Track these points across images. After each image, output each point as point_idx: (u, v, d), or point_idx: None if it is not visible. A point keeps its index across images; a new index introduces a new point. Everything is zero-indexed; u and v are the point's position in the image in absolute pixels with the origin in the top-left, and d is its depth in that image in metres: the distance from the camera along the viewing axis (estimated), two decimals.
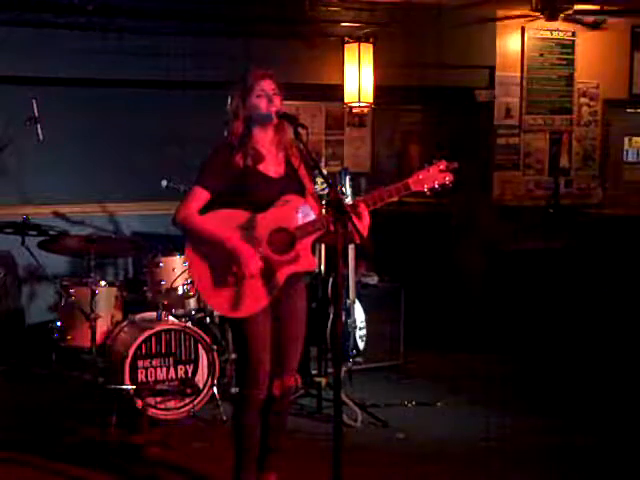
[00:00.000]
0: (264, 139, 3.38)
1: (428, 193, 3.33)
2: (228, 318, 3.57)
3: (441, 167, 3.32)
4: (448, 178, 3.32)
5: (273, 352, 3.44)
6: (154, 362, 4.68)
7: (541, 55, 7.09)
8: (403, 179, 3.35)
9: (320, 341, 5.17)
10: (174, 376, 4.73)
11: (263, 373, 3.41)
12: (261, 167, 3.36)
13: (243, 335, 3.40)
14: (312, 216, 3.34)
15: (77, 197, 6.06)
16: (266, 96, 3.32)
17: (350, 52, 6.22)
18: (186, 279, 4.93)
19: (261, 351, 3.39)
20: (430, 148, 7.35)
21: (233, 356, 5.02)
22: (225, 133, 3.40)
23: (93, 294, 4.77)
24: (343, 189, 4.82)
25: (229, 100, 3.38)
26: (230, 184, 3.32)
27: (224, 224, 3.29)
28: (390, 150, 7.49)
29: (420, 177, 3.30)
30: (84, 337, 4.82)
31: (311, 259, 3.39)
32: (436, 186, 3.32)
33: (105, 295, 4.96)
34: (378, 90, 6.28)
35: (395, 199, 3.37)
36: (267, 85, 3.33)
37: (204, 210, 3.34)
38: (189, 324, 4.86)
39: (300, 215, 3.33)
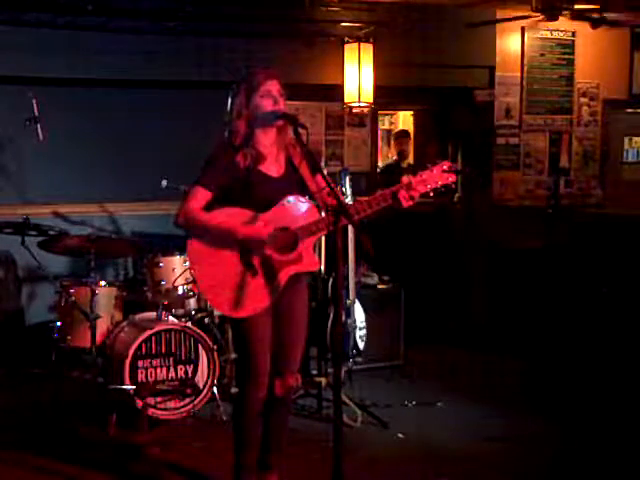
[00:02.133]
0: (265, 140, 3.38)
1: (431, 194, 3.30)
2: (229, 318, 3.57)
3: (444, 167, 3.29)
4: (451, 179, 3.30)
5: (274, 352, 3.44)
6: (154, 362, 4.68)
7: (541, 55, 7.09)
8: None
9: (320, 341, 5.17)
10: (174, 376, 4.73)
11: (263, 373, 3.41)
12: (262, 167, 3.36)
13: (244, 335, 3.40)
14: (315, 216, 3.34)
15: (77, 197, 6.06)
16: (271, 97, 3.32)
17: (350, 52, 6.22)
18: (186, 279, 4.93)
19: (261, 351, 3.39)
20: (430, 148, 7.36)
21: (233, 356, 5.02)
22: (226, 132, 3.39)
23: (93, 294, 4.77)
24: (343, 189, 4.82)
25: (231, 99, 3.37)
26: (231, 183, 3.32)
27: (229, 217, 3.28)
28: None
29: (423, 177, 3.28)
30: (84, 337, 4.82)
31: (313, 259, 3.40)
32: (439, 187, 3.29)
33: (105, 295, 4.96)
34: (378, 90, 6.28)
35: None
36: (273, 86, 3.33)
37: (205, 210, 3.33)
38: (189, 324, 4.86)
39: (303, 215, 3.32)
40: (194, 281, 4.82)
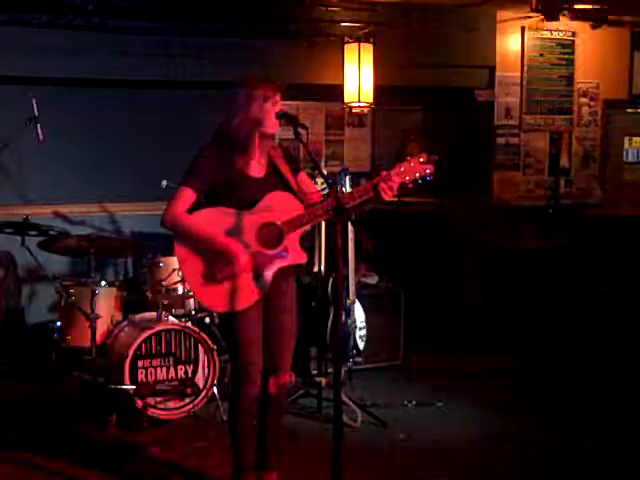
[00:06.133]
0: (253, 143, 3.42)
1: (410, 185, 3.42)
2: (219, 315, 3.59)
3: (421, 159, 3.41)
4: (429, 170, 3.41)
5: (266, 350, 3.46)
6: (154, 362, 4.68)
7: (541, 55, 7.09)
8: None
9: (320, 341, 5.17)
10: (174, 376, 4.73)
11: (255, 370, 3.43)
12: (245, 168, 3.42)
13: (234, 332, 3.42)
14: (300, 210, 3.38)
15: (77, 197, 6.06)
16: (277, 107, 3.39)
17: (350, 52, 6.22)
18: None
19: (252, 348, 3.41)
20: (430, 148, 7.34)
21: None
22: (229, 125, 3.40)
23: (93, 294, 4.77)
24: (343, 189, 4.82)
25: (234, 100, 3.38)
26: (216, 184, 3.37)
27: (213, 222, 3.34)
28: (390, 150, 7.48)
29: (402, 169, 3.39)
30: (84, 337, 4.83)
31: (300, 253, 3.43)
32: (417, 177, 3.40)
33: (105, 295, 4.97)
34: (378, 90, 6.28)
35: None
36: (279, 98, 3.41)
37: (192, 207, 3.38)
38: (189, 324, 4.86)
39: (287, 210, 3.36)
40: (184, 280, 4.82)
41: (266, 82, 3.41)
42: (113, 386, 4.61)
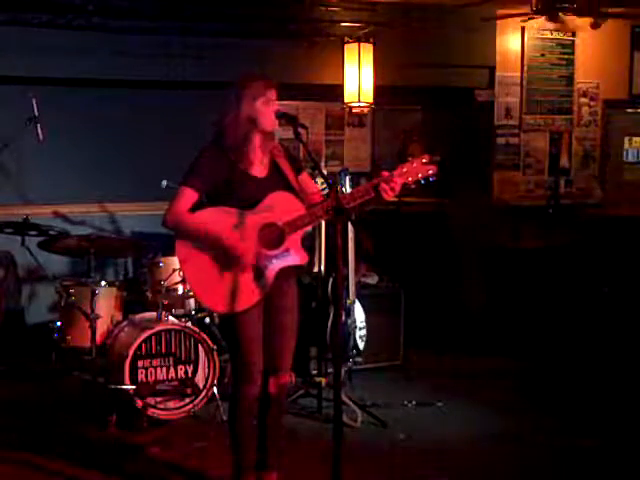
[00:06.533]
0: (254, 142, 3.42)
1: (412, 186, 3.40)
2: (220, 315, 3.58)
3: (424, 160, 3.40)
4: (431, 170, 3.39)
5: (266, 350, 3.46)
6: (154, 362, 4.68)
7: (541, 55, 7.09)
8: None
9: (320, 341, 5.17)
10: (174, 376, 4.73)
11: (256, 369, 3.43)
12: (247, 168, 3.41)
13: (234, 331, 3.42)
14: (301, 210, 3.38)
15: (77, 197, 6.06)
16: (272, 104, 3.38)
17: (350, 52, 6.22)
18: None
19: (253, 348, 3.41)
20: (430, 148, 7.35)
21: None
22: (220, 125, 3.40)
23: (93, 294, 4.77)
24: (343, 189, 4.82)
25: (227, 100, 3.38)
26: (217, 183, 3.37)
27: (215, 221, 3.33)
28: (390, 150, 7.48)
29: (404, 170, 3.37)
30: (84, 337, 4.83)
31: (302, 253, 3.43)
32: (419, 178, 3.39)
33: (105, 295, 4.97)
34: (378, 90, 6.28)
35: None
36: (273, 95, 3.40)
37: (193, 208, 3.37)
38: (189, 324, 4.86)
39: (288, 210, 3.36)
40: (184, 280, 4.83)
41: (256, 80, 3.40)
42: (113, 386, 4.61)
